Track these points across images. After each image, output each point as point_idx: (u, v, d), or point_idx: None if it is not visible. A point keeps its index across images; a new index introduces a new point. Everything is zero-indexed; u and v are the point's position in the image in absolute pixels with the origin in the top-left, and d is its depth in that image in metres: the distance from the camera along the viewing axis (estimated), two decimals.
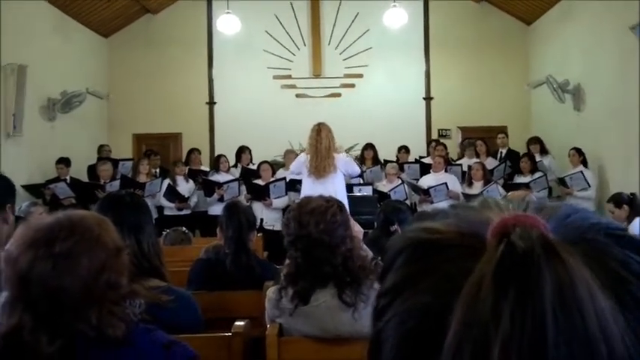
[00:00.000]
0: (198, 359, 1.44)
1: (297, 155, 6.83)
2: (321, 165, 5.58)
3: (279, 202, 7.34)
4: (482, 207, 0.48)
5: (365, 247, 2.26)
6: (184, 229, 4.67)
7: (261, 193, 7.28)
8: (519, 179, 7.71)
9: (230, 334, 2.00)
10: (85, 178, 8.12)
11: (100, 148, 8.93)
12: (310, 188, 5.40)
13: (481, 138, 8.85)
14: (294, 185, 6.81)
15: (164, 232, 4.53)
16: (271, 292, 2.20)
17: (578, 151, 7.56)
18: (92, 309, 1.30)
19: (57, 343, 1.28)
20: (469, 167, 7.86)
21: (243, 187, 7.56)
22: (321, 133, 5.61)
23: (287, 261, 2.20)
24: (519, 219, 0.42)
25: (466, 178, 7.70)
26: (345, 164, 5.85)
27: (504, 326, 0.37)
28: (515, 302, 0.38)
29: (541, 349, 0.37)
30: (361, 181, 7.65)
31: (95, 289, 1.32)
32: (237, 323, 2.04)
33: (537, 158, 8.05)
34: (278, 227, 7.11)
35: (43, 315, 1.29)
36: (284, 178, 7.29)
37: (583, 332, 0.37)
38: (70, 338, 1.30)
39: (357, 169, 6.17)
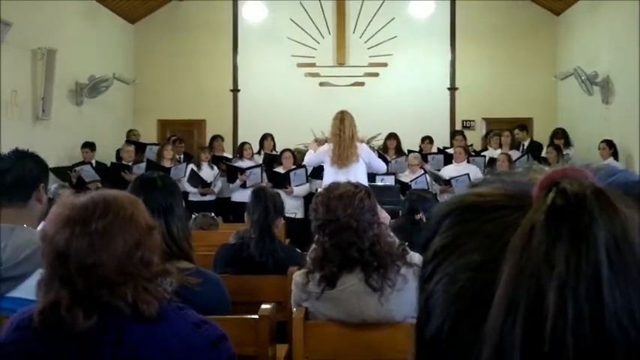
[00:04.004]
0: (227, 338, 1.47)
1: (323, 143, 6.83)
2: (344, 154, 5.58)
3: (300, 189, 7.35)
4: (527, 171, 0.48)
5: (392, 233, 2.26)
6: (212, 214, 4.72)
7: (281, 181, 7.30)
8: None
9: (257, 317, 2.02)
10: (110, 162, 8.23)
11: (129, 132, 9.06)
12: (332, 177, 5.41)
13: (506, 129, 8.74)
14: (318, 172, 6.82)
15: (193, 216, 4.58)
16: (298, 275, 2.22)
17: (609, 143, 7.44)
18: (127, 286, 1.33)
19: (92, 319, 1.31)
20: (492, 159, 7.79)
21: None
22: (344, 121, 5.62)
23: (313, 245, 2.21)
24: (567, 172, 0.42)
25: (490, 169, 7.63)
26: (369, 156, 5.85)
27: (559, 270, 0.37)
28: (569, 245, 0.38)
29: (597, 291, 0.37)
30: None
31: (129, 266, 1.35)
32: (264, 306, 2.06)
33: (562, 150, 7.94)
34: (299, 215, 7.15)
35: (80, 291, 1.32)
36: (304, 166, 7.30)
37: (637, 275, 0.38)
38: (105, 314, 1.33)
39: (382, 166, 6.15)
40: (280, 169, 7.61)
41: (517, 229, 0.40)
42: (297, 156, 7.98)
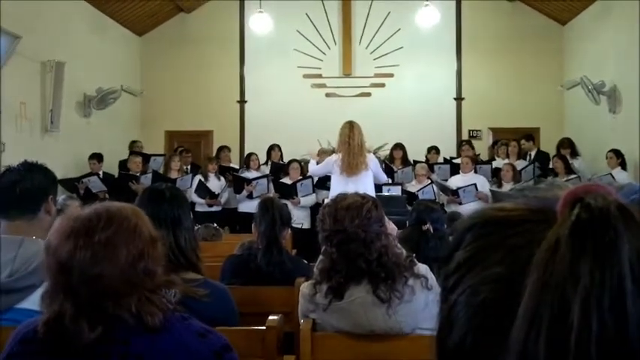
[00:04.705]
0: (231, 348, 1.46)
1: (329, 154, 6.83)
2: (353, 162, 5.55)
3: (307, 200, 7.35)
4: (551, 187, 0.48)
5: (399, 245, 2.25)
6: (215, 225, 4.73)
7: (288, 192, 7.30)
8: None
9: (264, 328, 2.01)
10: (116, 173, 8.26)
11: (132, 143, 9.08)
12: (341, 186, 5.37)
13: (513, 139, 8.71)
14: (324, 183, 6.80)
15: (196, 227, 4.58)
16: (305, 287, 2.21)
17: (617, 153, 7.40)
18: (131, 296, 1.33)
19: (97, 330, 1.30)
20: (497, 168, 7.76)
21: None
22: (353, 129, 5.60)
23: (321, 256, 2.20)
24: (590, 188, 0.43)
25: (495, 179, 7.61)
26: (376, 166, 5.85)
27: (584, 283, 0.38)
28: (594, 259, 0.38)
29: (621, 304, 0.38)
30: (390, 181, 7.62)
31: (133, 276, 1.34)
32: (272, 317, 2.05)
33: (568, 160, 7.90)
34: (306, 225, 7.13)
35: (84, 302, 1.31)
36: (311, 177, 7.29)
37: None
38: (110, 325, 1.32)
39: (384, 177, 6.17)
40: (287, 180, 7.61)
41: (541, 243, 0.41)
42: (304, 167, 7.99)
